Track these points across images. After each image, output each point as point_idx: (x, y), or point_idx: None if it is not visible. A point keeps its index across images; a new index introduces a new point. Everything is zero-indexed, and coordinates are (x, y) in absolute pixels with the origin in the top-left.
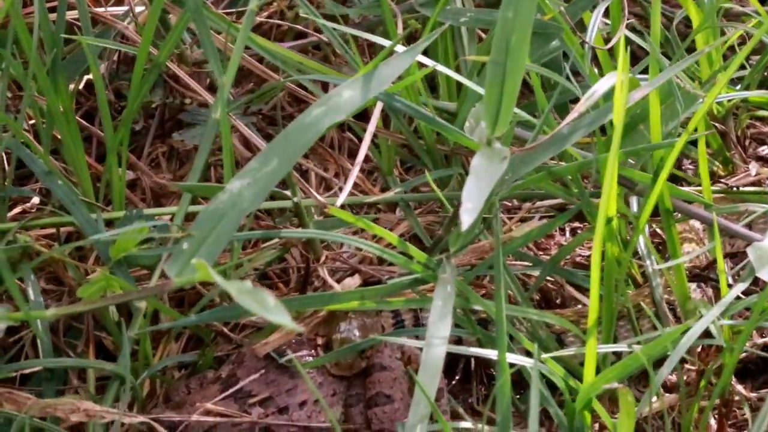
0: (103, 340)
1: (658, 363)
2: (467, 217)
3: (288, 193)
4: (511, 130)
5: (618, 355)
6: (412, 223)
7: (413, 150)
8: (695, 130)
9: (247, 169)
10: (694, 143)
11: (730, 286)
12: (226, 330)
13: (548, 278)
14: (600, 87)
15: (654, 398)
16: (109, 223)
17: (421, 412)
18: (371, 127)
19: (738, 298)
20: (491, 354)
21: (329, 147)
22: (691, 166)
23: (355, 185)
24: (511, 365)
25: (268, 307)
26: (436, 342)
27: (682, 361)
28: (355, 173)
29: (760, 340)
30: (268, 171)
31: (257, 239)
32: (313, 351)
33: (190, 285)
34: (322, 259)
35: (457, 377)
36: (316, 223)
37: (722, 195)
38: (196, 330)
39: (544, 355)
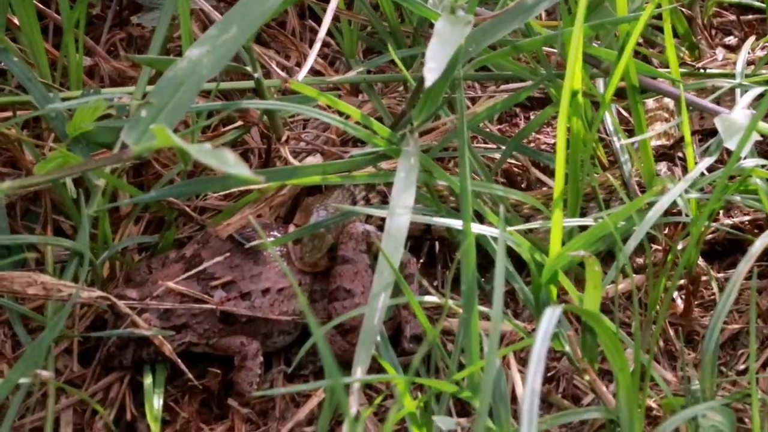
0: (61, 224)
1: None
2: (430, 75)
3: (249, 68)
4: (474, 2)
5: None
6: (375, 103)
7: (376, 36)
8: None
9: (207, 37)
10: (661, 29)
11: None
12: (188, 209)
13: (513, 162)
14: None
15: (621, 279)
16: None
17: (385, 280)
18: (333, 4)
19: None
20: (456, 223)
21: (291, 35)
22: (658, 54)
23: (317, 72)
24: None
25: (228, 162)
26: (400, 211)
27: (651, 240)
28: (316, 49)
29: (728, 221)
30: (228, 38)
31: (216, 125)
32: (280, 235)
33: (148, 159)
34: (284, 138)
35: (421, 261)
36: (278, 100)
37: (689, 75)
38: (157, 208)
39: (510, 228)
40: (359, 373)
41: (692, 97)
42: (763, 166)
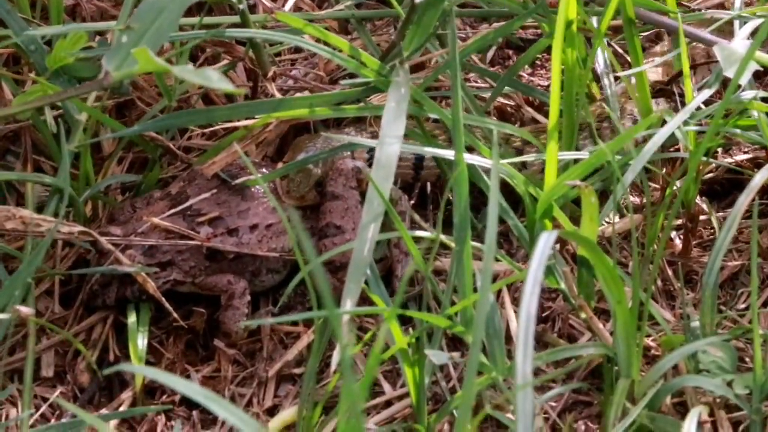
0: (42, 164)
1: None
2: None
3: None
4: None
5: None
6: (364, 39)
7: None
8: None
9: None
10: None
11: None
12: (172, 146)
13: (506, 101)
14: None
15: (617, 218)
16: (47, 43)
17: (375, 210)
18: None
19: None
20: (448, 154)
21: None
22: None
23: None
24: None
25: (211, 79)
26: (390, 140)
27: (649, 180)
28: None
29: (728, 160)
30: None
31: (201, 64)
32: (268, 172)
33: (132, 97)
34: (270, 74)
35: (412, 202)
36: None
37: (686, 13)
38: (142, 146)
39: (504, 161)
40: (349, 305)
41: (690, 29)
42: (765, 100)
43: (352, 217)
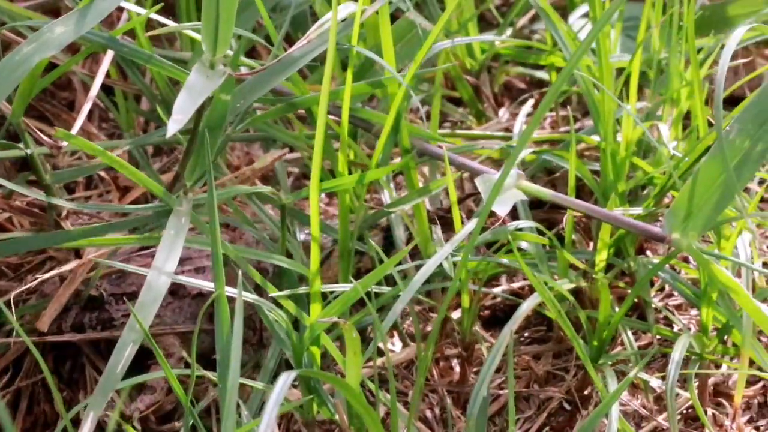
0: None
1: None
2: (173, 126)
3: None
4: (238, 55)
5: None
6: (147, 171)
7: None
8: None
9: None
10: (454, 101)
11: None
12: None
13: None
14: (330, 16)
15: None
16: None
17: (136, 331)
18: (103, 69)
19: None
20: (209, 285)
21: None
22: (448, 123)
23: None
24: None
25: None
26: (163, 268)
27: (431, 309)
28: (85, 111)
29: (507, 286)
30: None
31: None
32: None
33: None
34: (64, 213)
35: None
36: (54, 175)
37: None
38: None
39: (273, 294)
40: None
41: (459, 158)
42: (541, 232)
43: None
